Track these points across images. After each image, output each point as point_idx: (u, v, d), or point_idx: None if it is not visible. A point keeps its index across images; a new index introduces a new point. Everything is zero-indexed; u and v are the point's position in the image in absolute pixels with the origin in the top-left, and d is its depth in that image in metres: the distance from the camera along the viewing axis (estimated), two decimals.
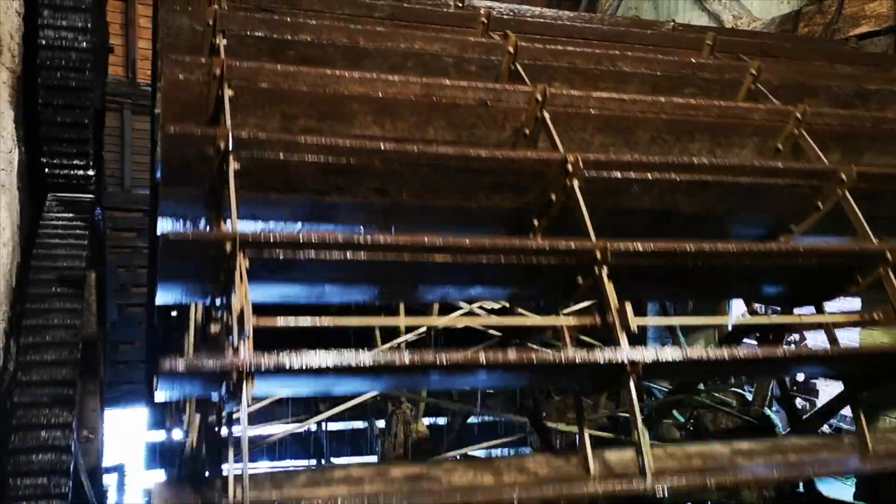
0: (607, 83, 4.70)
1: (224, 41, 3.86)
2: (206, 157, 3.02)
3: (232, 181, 2.92)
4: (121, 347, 11.22)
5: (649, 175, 3.78)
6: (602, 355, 3.06)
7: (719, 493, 6.07)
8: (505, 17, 5.53)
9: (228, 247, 2.69)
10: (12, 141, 5.25)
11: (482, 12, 5.07)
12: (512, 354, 3.00)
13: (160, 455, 7.47)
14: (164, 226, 3.42)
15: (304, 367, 2.56)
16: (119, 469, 8.44)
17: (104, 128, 7.06)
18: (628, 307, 3.10)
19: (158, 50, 3.99)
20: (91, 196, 5.72)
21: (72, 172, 5.60)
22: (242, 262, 2.69)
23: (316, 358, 2.58)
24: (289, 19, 4.30)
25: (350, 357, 2.63)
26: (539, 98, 3.95)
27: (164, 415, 6.28)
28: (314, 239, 2.88)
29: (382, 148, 3.34)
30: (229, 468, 2.58)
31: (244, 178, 3.00)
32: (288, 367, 2.55)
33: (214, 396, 3.04)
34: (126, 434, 9.40)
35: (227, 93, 3.36)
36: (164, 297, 3.16)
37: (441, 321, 4.87)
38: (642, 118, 4.29)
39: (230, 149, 2.96)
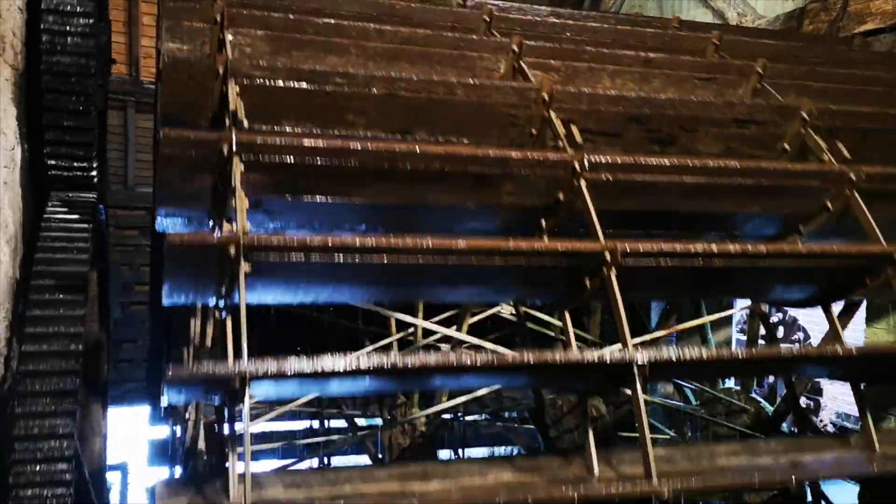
0: (610, 81, 4.66)
1: (231, 37, 3.82)
2: (209, 159, 2.99)
3: (238, 183, 2.89)
4: (124, 346, 11.22)
5: (657, 176, 3.75)
6: (609, 355, 3.03)
7: (722, 493, 6.05)
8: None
9: (232, 251, 2.66)
10: (15, 138, 5.23)
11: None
12: (515, 356, 2.98)
13: (163, 452, 7.47)
14: (168, 224, 3.39)
15: (303, 372, 2.54)
16: (122, 467, 8.46)
17: (107, 126, 7.05)
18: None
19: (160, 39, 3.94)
20: (94, 194, 5.71)
21: (75, 170, 5.59)
22: (245, 267, 2.67)
23: (314, 363, 2.56)
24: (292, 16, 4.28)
25: (347, 361, 2.61)
26: (546, 97, 3.92)
27: (167, 413, 6.27)
28: (317, 242, 2.85)
29: (388, 149, 3.31)
30: (231, 468, 2.56)
31: (247, 179, 2.97)
32: (288, 373, 2.53)
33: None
34: (129, 432, 9.39)
35: (233, 89, 3.32)
36: (170, 296, 3.13)
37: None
38: (649, 115, 4.25)
39: (234, 151, 2.93)
